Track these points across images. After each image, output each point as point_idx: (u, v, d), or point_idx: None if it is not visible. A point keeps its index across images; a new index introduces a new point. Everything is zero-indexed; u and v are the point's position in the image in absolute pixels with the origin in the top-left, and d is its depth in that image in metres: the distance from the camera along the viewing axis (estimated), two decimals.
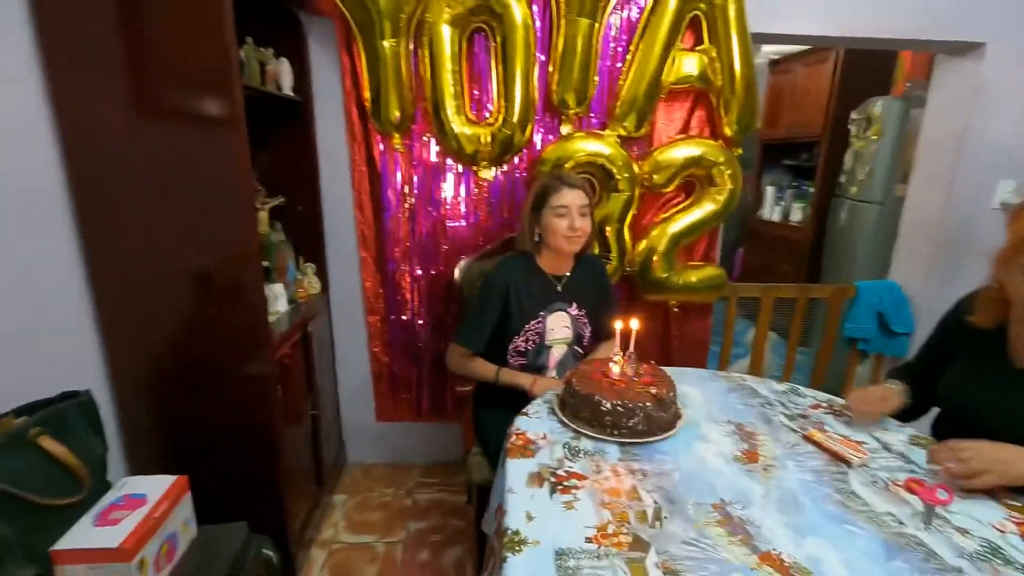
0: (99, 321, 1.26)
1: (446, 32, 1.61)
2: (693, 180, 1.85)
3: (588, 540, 0.78)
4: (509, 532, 0.80)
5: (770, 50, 3.77)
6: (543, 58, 1.71)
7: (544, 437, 1.07)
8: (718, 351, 2.27)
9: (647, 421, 1.05)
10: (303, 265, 1.83)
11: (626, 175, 1.75)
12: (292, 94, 1.65)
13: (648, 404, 1.05)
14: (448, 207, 1.84)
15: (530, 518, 0.83)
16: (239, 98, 1.17)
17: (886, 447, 1.06)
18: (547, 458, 0.99)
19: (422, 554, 1.67)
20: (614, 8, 1.69)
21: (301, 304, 1.74)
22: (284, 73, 1.63)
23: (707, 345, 2.11)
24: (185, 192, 1.21)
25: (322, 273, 1.88)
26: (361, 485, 2.00)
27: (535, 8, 1.66)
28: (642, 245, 1.86)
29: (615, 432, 1.05)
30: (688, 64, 1.73)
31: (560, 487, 0.90)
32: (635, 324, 1.15)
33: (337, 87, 1.74)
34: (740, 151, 1.87)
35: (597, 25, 1.65)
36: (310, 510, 1.70)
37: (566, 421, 1.10)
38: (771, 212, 3.94)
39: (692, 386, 1.31)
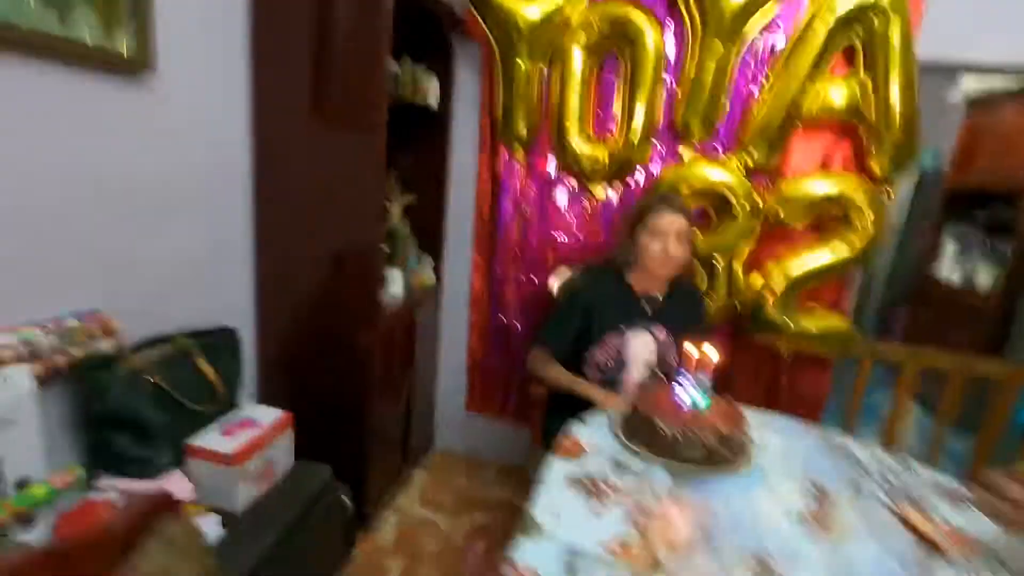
0: (257, 276, 1.56)
1: (578, 56, 1.70)
2: (827, 220, 1.69)
3: (603, 547, 0.78)
4: (530, 518, 0.83)
5: (972, 85, 3.23)
6: (671, 80, 1.71)
7: (596, 446, 1.08)
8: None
9: (707, 455, 1.00)
10: (423, 258, 2.03)
11: (745, 205, 1.66)
12: (435, 107, 1.87)
13: (711, 438, 1.00)
14: (559, 222, 1.91)
15: (556, 515, 0.85)
16: (384, 113, 1.39)
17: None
18: (592, 466, 1.00)
19: (480, 544, 1.73)
20: (758, 31, 1.63)
21: (415, 291, 1.94)
22: (432, 88, 1.86)
23: (822, 403, 1.88)
24: (335, 181, 1.45)
25: (438, 268, 2.08)
26: (442, 468, 2.14)
27: (670, 29, 1.67)
28: (758, 282, 1.74)
29: (670, 459, 1.01)
30: (835, 93, 1.59)
31: (594, 494, 0.91)
32: (712, 352, 1.09)
33: (474, 103, 1.92)
34: (891, 195, 1.66)
35: (734, 50, 1.61)
36: (391, 477, 1.87)
37: (621, 437, 1.09)
38: (950, 272, 3.33)
39: (776, 434, 1.20)
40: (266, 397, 1.62)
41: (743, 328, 1.82)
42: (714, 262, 1.75)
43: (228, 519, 1.11)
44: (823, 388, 1.88)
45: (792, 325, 1.70)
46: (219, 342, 1.32)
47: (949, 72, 3.28)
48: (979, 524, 0.92)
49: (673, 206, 1.32)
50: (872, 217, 1.59)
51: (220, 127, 1.37)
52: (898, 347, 1.92)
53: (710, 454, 1.00)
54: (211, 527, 1.07)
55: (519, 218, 1.95)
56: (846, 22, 1.51)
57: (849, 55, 1.60)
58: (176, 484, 1.11)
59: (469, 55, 1.90)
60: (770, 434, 1.20)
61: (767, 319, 1.71)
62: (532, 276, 1.98)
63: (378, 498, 1.78)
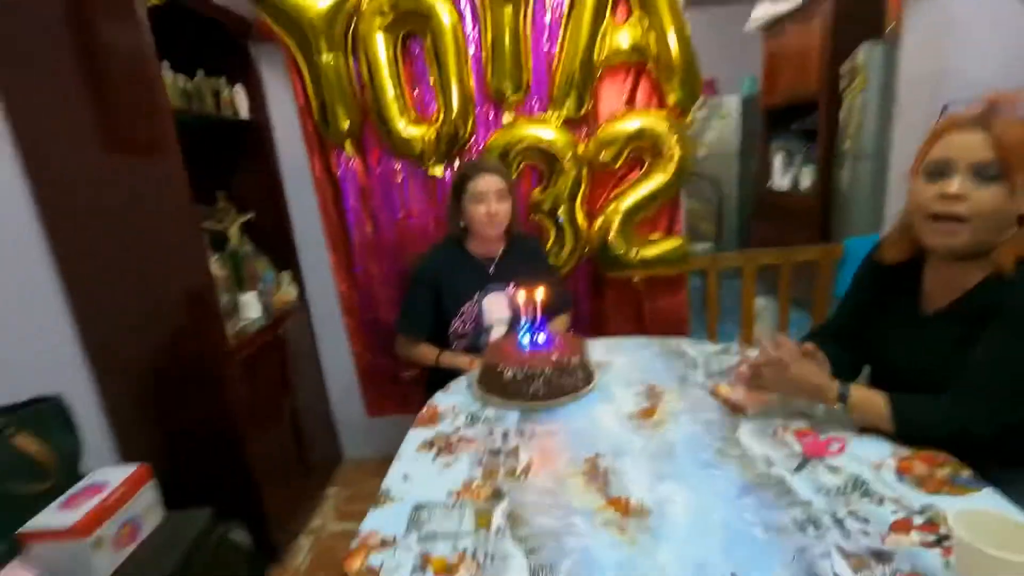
0: (82, 333, 1.42)
1: (379, 40, 1.70)
2: (641, 154, 1.84)
3: (450, 494, 0.82)
4: (380, 492, 0.85)
5: (761, 13, 3.64)
6: (474, 52, 1.76)
7: (453, 408, 1.12)
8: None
9: (547, 386, 1.07)
10: (279, 274, 1.96)
11: (569, 155, 1.77)
12: (247, 117, 1.79)
13: (548, 370, 1.07)
14: (405, 207, 1.92)
15: (405, 479, 0.88)
16: (170, 130, 1.30)
17: None
18: (447, 427, 1.04)
19: None
20: None
21: (276, 310, 1.87)
22: (239, 98, 1.78)
23: (685, 320, 2.08)
24: (139, 212, 1.35)
25: (299, 280, 2.01)
26: (354, 478, 2.11)
27: (463, 3, 1.72)
28: (597, 223, 1.87)
29: (517, 399, 1.08)
30: (621, 37, 1.73)
31: (445, 450, 0.95)
32: (539, 294, 1.17)
33: (290, 105, 1.86)
34: (691, 119, 1.85)
35: (521, 11, 1.69)
36: (295, 501, 1.82)
37: (474, 391, 1.14)
38: (780, 181, 3.78)
39: (622, 354, 1.32)
40: (128, 455, 1.50)
41: (598, 270, 1.95)
42: (558, 214, 1.85)
43: None
44: (682, 307, 2.07)
45: (634, 254, 1.85)
46: (40, 413, 1.20)
47: (744, 5, 3.70)
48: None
49: (487, 168, 1.38)
50: (677, 141, 1.77)
51: None
52: (733, 254, 2.16)
53: (551, 386, 1.07)
54: None
55: (366, 212, 1.93)
56: None
57: (628, 1, 1.74)
58: (20, 575, 1.00)
59: (273, 58, 1.83)
60: (615, 354, 1.31)
61: (613, 255, 1.85)
62: (392, 266, 1.98)
63: (285, 526, 1.72)
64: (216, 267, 1.59)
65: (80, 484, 1.17)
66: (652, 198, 1.83)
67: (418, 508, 0.80)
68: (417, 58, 1.79)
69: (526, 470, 0.87)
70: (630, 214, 1.83)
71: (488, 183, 1.36)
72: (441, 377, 1.48)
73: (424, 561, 0.69)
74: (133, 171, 1.32)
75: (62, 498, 1.13)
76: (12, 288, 1.28)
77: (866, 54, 2.46)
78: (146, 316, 1.42)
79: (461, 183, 1.39)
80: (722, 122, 4.27)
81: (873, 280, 1.07)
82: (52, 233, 1.35)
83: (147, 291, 1.40)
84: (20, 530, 1.04)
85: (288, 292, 1.95)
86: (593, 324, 2.06)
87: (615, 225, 1.83)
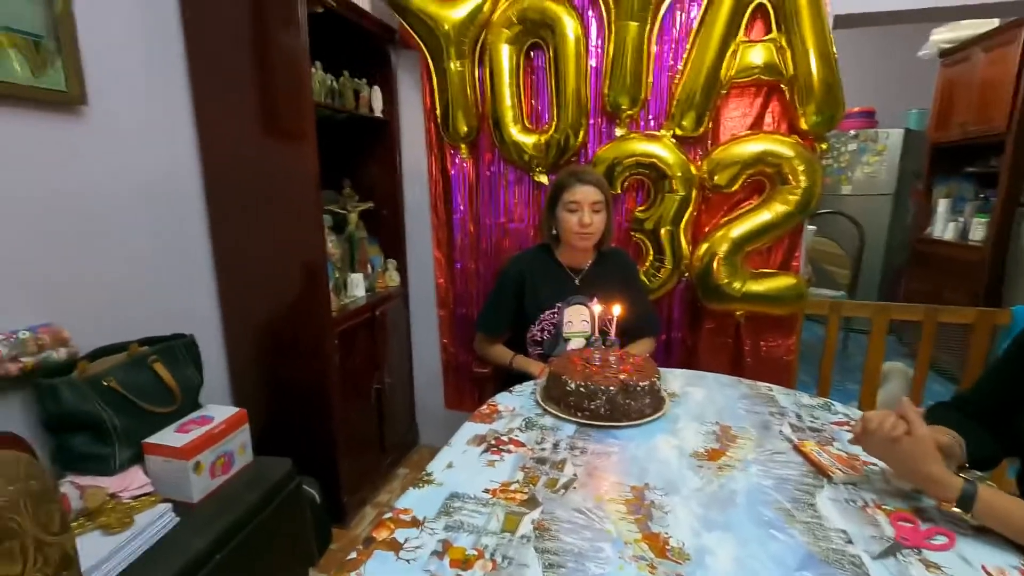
0: (218, 284, 1.65)
1: (504, 51, 1.77)
2: (763, 180, 1.70)
3: (486, 491, 0.82)
4: (423, 474, 0.88)
5: (940, 38, 3.18)
6: (595, 64, 1.76)
7: (513, 410, 1.12)
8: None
9: (610, 405, 1.03)
10: (386, 261, 2.12)
11: (680, 175, 1.69)
12: (380, 115, 1.97)
13: (612, 388, 1.03)
14: (508, 211, 1.97)
15: (449, 466, 0.90)
16: (311, 122, 1.48)
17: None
18: (502, 426, 1.05)
19: None
20: (672, 8, 1.68)
21: (379, 293, 2.02)
22: (375, 98, 1.96)
23: (791, 369, 1.87)
24: (276, 189, 1.55)
25: (403, 270, 2.16)
26: (425, 463, 2.19)
27: (590, 15, 1.73)
28: (702, 249, 1.76)
29: (577, 413, 1.05)
30: (753, 55, 1.62)
31: (494, 448, 0.95)
32: (617, 310, 1.13)
33: (419, 108, 2.01)
34: (825, 146, 1.67)
35: (647, 28, 1.66)
36: (369, 473, 1.94)
37: (537, 399, 1.13)
38: (943, 230, 3.25)
39: (702, 388, 1.23)
40: (238, 398, 1.71)
41: (697, 299, 1.83)
42: (659, 234, 1.78)
43: (182, 508, 1.19)
44: (788, 353, 1.87)
45: (739, 286, 1.71)
46: (175, 347, 1.42)
47: (921, 29, 3.26)
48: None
49: (584, 179, 1.37)
50: (803, 170, 1.60)
51: (164, 147, 1.47)
52: (861, 303, 1.90)
53: (613, 405, 1.03)
54: (165, 516, 1.15)
55: (471, 213, 2.02)
56: None
57: (766, 18, 1.63)
58: (134, 478, 1.20)
59: (410, 63, 2.00)
60: (695, 387, 1.22)
61: (714, 284, 1.73)
62: (491, 266, 2.04)
63: (354, 493, 1.84)
64: (332, 246, 1.77)
65: (195, 413, 1.37)
66: (768, 228, 1.68)
67: (453, 497, 0.81)
68: (539, 69, 1.83)
69: (567, 485, 0.84)
70: (740, 243, 1.69)
71: (584, 193, 1.35)
72: (512, 380, 1.49)
73: (444, 547, 0.69)
74: (278, 153, 1.52)
75: (179, 422, 1.32)
76: (174, 240, 1.53)
77: None
78: (270, 279, 1.62)
79: (557, 191, 1.40)
80: (877, 158, 3.79)
81: None
82: (209, 199, 1.59)
83: (274, 258, 1.60)
84: (145, 440, 1.23)
85: (392, 278, 2.10)
86: (685, 356, 1.93)
87: (721, 252, 1.71)
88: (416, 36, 1.81)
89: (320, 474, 1.64)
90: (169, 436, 1.25)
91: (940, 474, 0.74)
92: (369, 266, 2.03)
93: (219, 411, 1.38)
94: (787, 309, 1.75)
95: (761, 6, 1.60)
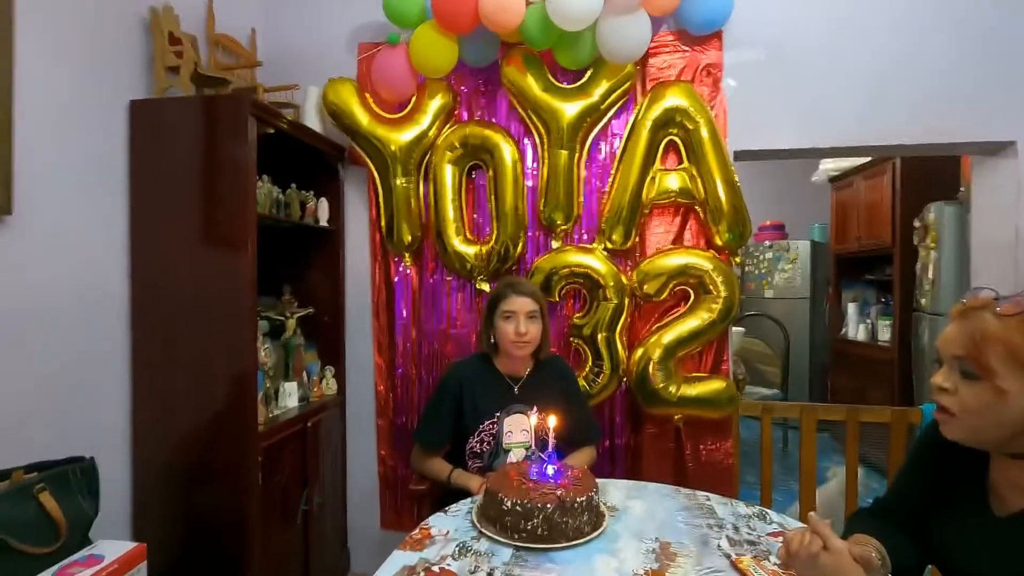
0: (133, 398, 1.53)
1: (447, 170, 1.91)
2: (688, 290, 1.83)
3: None
4: None
5: (828, 167, 3.71)
6: (531, 184, 1.92)
7: (446, 534, 1.05)
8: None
9: (547, 525, 0.99)
10: (323, 368, 2.05)
11: (612, 284, 1.80)
12: (327, 225, 2.02)
13: (550, 507, 1.00)
14: (451, 317, 2.00)
15: None
16: (252, 230, 1.51)
17: None
18: (433, 554, 0.97)
19: None
20: (597, 139, 1.89)
21: (314, 402, 1.92)
22: (322, 209, 2.02)
23: (731, 470, 1.89)
24: (210, 297, 1.51)
25: (341, 377, 2.09)
26: None
27: (525, 142, 1.92)
28: (637, 354, 1.82)
29: (514, 535, 1.00)
30: (670, 180, 1.83)
31: None
32: (552, 421, 1.13)
33: (365, 218, 2.08)
34: (740, 260, 1.85)
35: (576, 155, 1.85)
36: None
37: (473, 520, 1.07)
38: (855, 331, 3.55)
39: (642, 501, 1.21)
40: (139, 530, 1.52)
41: (637, 404, 1.86)
42: (597, 340, 1.84)
43: None
44: (727, 455, 1.90)
45: (674, 390, 1.76)
46: (69, 473, 1.26)
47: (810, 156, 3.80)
48: None
49: (519, 290, 1.43)
50: (722, 281, 1.75)
51: (90, 255, 1.43)
52: (789, 404, 1.99)
53: (550, 525, 0.99)
54: None
55: (414, 318, 2.03)
56: (663, 124, 1.78)
57: (678, 150, 1.86)
58: None
59: (356, 179, 2.10)
60: (635, 499, 1.20)
61: (652, 388, 1.77)
62: (432, 373, 2.01)
63: None
64: (265, 354, 1.70)
65: (82, 552, 1.19)
66: (696, 335, 1.78)
67: None
68: (479, 187, 1.97)
69: None
70: (672, 348, 1.78)
71: (520, 303, 1.40)
72: (450, 496, 1.41)
73: None
74: (213, 261, 1.51)
75: (58, 566, 1.14)
76: (89, 352, 1.43)
77: (938, 213, 2.40)
78: (193, 390, 1.52)
79: (495, 300, 1.44)
80: (791, 266, 4.20)
81: (936, 456, 0.93)
82: (135, 307, 1.53)
83: (199, 367, 1.51)
84: None
85: (329, 386, 2.02)
86: (629, 462, 1.92)
87: (655, 357, 1.78)
88: (364, 155, 1.93)
89: None
90: None
91: None
92: (305, 374, 1.96)
93: (111, 547, 1.21)
94: (721, 412, 1.81)
95: (672, 141, 1.83)
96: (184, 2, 1.66)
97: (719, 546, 1.00)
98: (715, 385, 1.79)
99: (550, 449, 1.12)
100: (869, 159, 3.29)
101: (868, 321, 3.47)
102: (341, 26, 2.07)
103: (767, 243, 4.31)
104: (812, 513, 0.83)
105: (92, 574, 1.10)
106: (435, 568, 0.92)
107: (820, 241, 4.22)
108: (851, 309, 3.63)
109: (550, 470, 1.10)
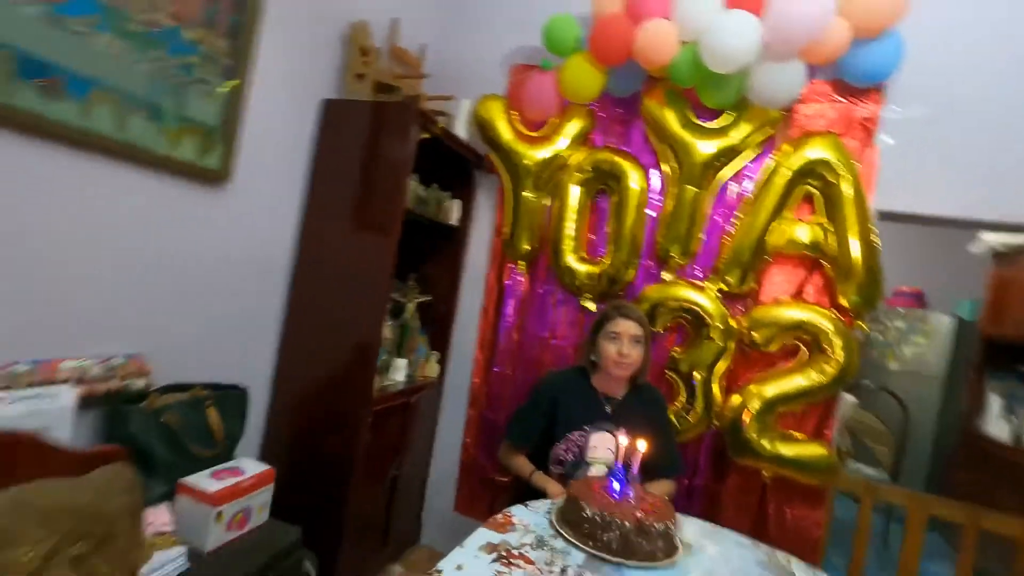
0: (280, 346, 1.82)
1: (574, 191, 2.01)
2: (800, 345, 1.77)
3: None
4: (434, 570, 0.91)
5: (993, 239, 3.29)
6: (654, 215, 1.96)
7: (527, 525, 1.14)
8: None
9: (622, 541, 1.05)
10: (430, 352, 2.25)
11: (719, 326, 1.79)
12: (455, 224, 2.22)
13: (627, 524, 1.05)
14: (553, 328, 2.10)
15: (459, 568, 0.93)
16: (398, 222, 1.73)
17: None
18: (514, 539, 1.07)
19: None
20: (733, 179, 1.89)
21: (418, 381, 2.12)
22: (454, 209, 2.22)
23: (818, 543, 1.78)
24: (355, 274, 1.75)
25: (444, 362, 2.27)
26: (421, 566, 2.12)
27: (653, 172, 1.97)
28: (735, 400, 1.79)
29: (589, 542, 1.07)
30: (800, 232, 1.77)
31: (504, 560, 0.98)
32: (642, 445, 1.18)
33: (490, 223, 2.25)
34: (864, 325, 1.74)
35: (705, 194, 1.86)
36: (368, 561, 1.90)
37: (552, 520, 1.15)
38: (997, 428, 3.10)
39: (717, 543, 1.21)
40: (266, 454, 1.79)
41: (724, 451, 1.83)
42: (693, 376, 1.83)
43: (194, 555, 1.23)
44: (816, 526, 1.79)
45: (768, 445, 1.70)
46: (230, 397, 1.54)
47: (969, 227, 3.40)
48: None
49: (627, 313, 1.48)
50: (841, 345, 1.67)
51: (273, 225, 1.73)
52: (896, 489, 1.83)
53: (625, 542, 1.04)
54: (179, 559, 1.19)
55: (519, 322, 2.15)
56: (802, 174, 1.74)
57: (814, 202, 1.80)
58: (160, 515, 1.26)
59: (488, 185, 2.28)
60: (710, 540, 1.21)
61: (744, 439, 1.73)
62: (527, 376, 2.12)
63: (354, 573, 1.80)
64: (387, 330, 1.92)
65: (230, 463, 1.45)
66: (802, 394, 1.71)
67: None
68: (602, 210, 2.05)
69: None
70: (773, 402, 1.72)
71: (626, 326, 1.46)
72: (527, 495, 1.51)
73: None
74: (363, 243, 1.75)
75: (213, 468, 1.40)
76: (254, 302, 1.72)
77: None
78: (327, 349, 1.77)
79: (601, 320, 1.52)
80: (926, 340, 3.76)
81: None
82: (296, 272, 1.81)
83: (336, 331, 1.76)
84: (181, 480, 1.31)
85: (433, 368, 2.21)
86: (707, 507, 1.88)
87: (753, 407, 1.73)
88: (499, 165, 2.10)
89: (321, 550, 1.64)
90: (204, 481, 1.32)
91: None
92: (415, 354, 2.16)
93: (251, 465, 1.46)
94: (816, 479, 1.72)
95: (809, 193, 1.78)
96: (376, 16, 1.93)
97: None
98: (814, 450, 1.71)
99: (634, 471, 1.17)
100: None
101: (1015, 419, 3.02)
102: (499, 47, 2.26)
103: (900, 310, 3.91)
104: None
105: (236, 482, 1.34)
106: (515, 552, 1.02)
107: (967, 320, 3.74)
108: (996, 403, 3.18)
109: (631, 492, 1.15)
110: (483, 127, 2.07)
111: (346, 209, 1.78)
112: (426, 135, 1.86)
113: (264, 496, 1.44)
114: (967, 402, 3.46)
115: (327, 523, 1.70)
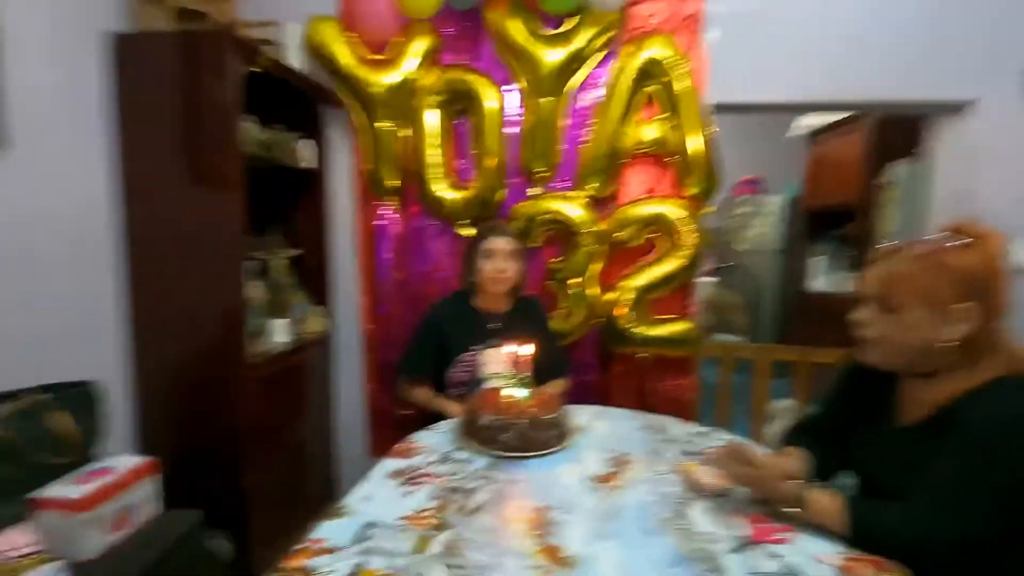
0: (133, 329, 1.61)
1: (430, 115, 1.93)
2: (660, 237, 1.94)
3: (401, 518, 0.88)
4: (337, 506, 0.92)
5: (805, 123, 3.78)
6: (517, 130, 1.96)
7: (430, 447, 1.18)
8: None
9: (520, 438, 1.12)
10: (312, 308, 2.13)
11: (588, 231, 1.89)
12: (312, 167, 2.04)
13: (522, 422, 1.13)
14: (433, 260, 2.08)
15: (365, 499, 0.95)
16: (239, 171, 1.54)
17: None
18: (419, 461, 1.11)
19: None
20: (582, 88, 1.93)
21: (302, 339, 2.01)
22: (306, 151, 2.04)
23: (691, 405, 2.06)
24: (199, 235, 1.56)
25: (328, 317, 2.17)
26: None
27: (506, 89, 1.94)
28: (610, 296, 1.94)
29: (489, 446, 1.13)
30: (647, 131, 1.89)
31: (411, 480, 1.01)
32: (527, 349, 1.25)
33: (348, 162, 2.11)
34: (712, 209, 1.94)
35: (559, 105, 1.89)
36: (286, 526, 1.86)
37: (454, 435, 1.20)
38: (822, 283, 3.74)
39: (605, 422, 1.35)
40: (147, 446, 1.63)
41: (605, 343, 2.00)
42: (571, 283, 1.95)
43: (75, 567, 1.11)
44: (688, 391, 2.07)
45: (643, 331, 1.89)
46: (76, 395, 1.35)
47: (788, 112, 3.86)
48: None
49: (500, 230, 1.52)
50: (692, 229, 1.86)
51: (77, 190, 1.46)
52: (747, 345, 2.16)
53: (523, 438, 1.12)
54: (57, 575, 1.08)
55: (398, 261, 2.10)
56: (642, 75, 1.83)
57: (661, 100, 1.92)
58: (17, 538, 1.11)
59: (341, 122, 2.11)
60: (599, 421, 1.35)
61: (619, 329, 1.91)
62: (415, 313, 2.10)
63: (268, 549, 1.76)
64: (255, 291, 1.77)
65: (95, 464, 1.30)
66: (666, 280, 1.90)
67: (368, 526, 0.86)
68: (462, 134, 2.01)
69: (476, 509, 0.91)
70: (643, 292, 1.90)
71: (499, 243, 1.50)
72: (433, 421, 1.55)
73: (357, 571, 0.74)
74: (204, 200, 1.55)
75: (76, 473, 1.25)
76: (83, 278, 1.49)
77: (901, 170, 2.51)
78: (187, 324, 1.60)
79: (476, 241, 1.53)
80: (766, 220, 4.33)
81: (857, 381, 1.08)
82: (129, 239, 1.58)
83: (193, 302, 1.59)
84: (30, 495, 1.15)
85: (316, 324, 2.11)
86: (598, 396, 2.07)
87: (627, 300, 1.90)
88: (347, 97, 1.94)
89: (234, 527, 1.58)
90: (65, 489, 1.18)
91: (778, 484, 0.90)
92: (291, 312, 2.04)
93: (121, 461, 1.32)
94: (685, 351, 1.96)
95: (653, 92, 1.88)
96: None
97: (668, 456, 1.15)
98: (680, 326, 1.93)
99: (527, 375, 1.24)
100: (844, 117, 3.36)
101: (833, 274, 3.65)
102: None
103: (743, 197, 4.42)
104: (739, 441, 0.97)
105: (107, 482, 1.22)
106: (420, 471, 1.05)
107: (795, 196, 4.34)
108: (819, 262, 3.80)
109: (524, 393, 1.23)
110: (318, 54, 1.88)
111: (173, 164, 1.55)
112: (254, 68, 1.65)
113: (146, 490, 1.32)
114: (798, 267, 4.10)
115: (229, 501, 1.62)
